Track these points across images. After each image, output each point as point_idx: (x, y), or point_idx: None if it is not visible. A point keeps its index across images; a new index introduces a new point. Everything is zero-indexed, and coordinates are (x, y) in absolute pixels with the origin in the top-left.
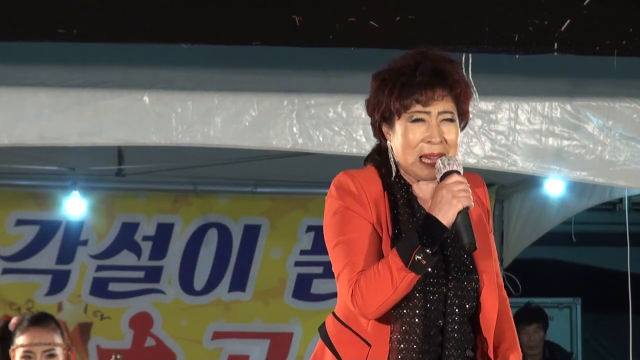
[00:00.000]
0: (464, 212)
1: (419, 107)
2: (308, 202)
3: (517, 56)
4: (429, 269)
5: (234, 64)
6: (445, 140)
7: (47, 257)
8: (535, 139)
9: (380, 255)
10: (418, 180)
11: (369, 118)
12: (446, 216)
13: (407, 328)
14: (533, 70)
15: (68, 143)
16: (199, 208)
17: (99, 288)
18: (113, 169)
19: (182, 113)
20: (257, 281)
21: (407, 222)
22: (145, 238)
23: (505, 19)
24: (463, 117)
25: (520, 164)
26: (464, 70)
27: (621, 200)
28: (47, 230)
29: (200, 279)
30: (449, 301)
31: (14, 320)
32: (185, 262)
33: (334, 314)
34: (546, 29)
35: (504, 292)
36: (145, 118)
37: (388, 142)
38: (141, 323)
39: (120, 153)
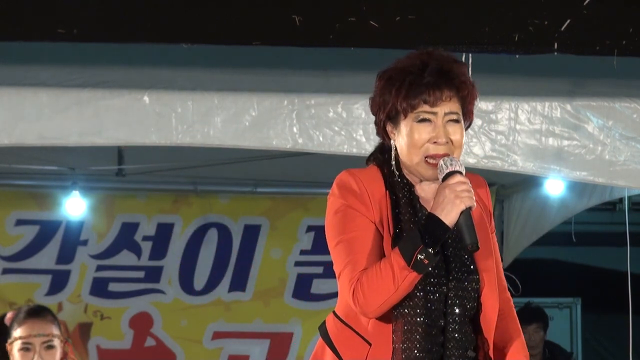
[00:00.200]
0: (467, 213)
1: (426, 108)
2: (308, 202)
3: (517, 56)
4: (430, 269)
5: (234, 64)
6: (451, 141)
7: (47, 257)
8: (535, 139)
9: (382, 255)
10: (421, 180)
11: (371, 117)
12: (449, 216)
13: (409, 327)
14: (533, 70)
15: (68, 143)
16: (199, 208)
17: (99, 288)
18: (113, 169)
19: (182, 113)
20: (257, 281)
21: (408, 221)
22: (145, 238)
23: (505, 19)
24: (467, 117)
25: (520, 164)
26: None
27: (621, 200)
28: (47, 230)
29: (200, 279)
30: (449, 301)
31: (9, 315)
32: (185, 262)
33: (334, 312)
34: (546, 29)
35: (508, 294)
36: (145, 118)
37: (392, 141)
38: (141, 323)
39: (120, 153)
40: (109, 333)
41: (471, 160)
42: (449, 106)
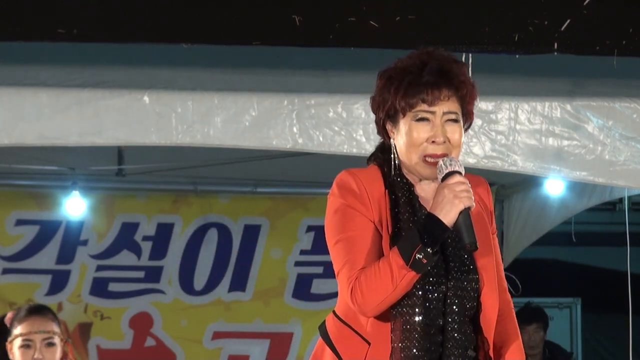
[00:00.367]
0: (466, 212)
1: (424, 107)
2: (308, 202)
3: (517, 56)
4: (429, 268)
5: (234, 64)
6: (449, 141)
7: (47, 257)
8: (535, 139)
9: (381, 254)
10: (420, 180)
11: (371, 118)
12: (448, 216)
13: (408, 326)
14: (533, 70)
15: (68, 143)
16: (199, 208)
17: (99, 288)
18: (113, 169)
19: (182, 113)
20: (257, 281)
21: (407, 221)
22: (145, 238)
23: (505, 19)
24: (467, 117)
25: (520, 164)
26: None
27: (621, 200)
28: (47, 230)
29: (200, 279)
30: (448, 300)
31: (9, 315)
32: (185, 262)
33: (334, 312)
34: (546, 29)
35: (508, 295)
36: (145, 118)
37: (392, 140)
38: (141, 323)
39: (120, 153)
40: (109, 333)
41: (471, 160)
42: (447, 105)
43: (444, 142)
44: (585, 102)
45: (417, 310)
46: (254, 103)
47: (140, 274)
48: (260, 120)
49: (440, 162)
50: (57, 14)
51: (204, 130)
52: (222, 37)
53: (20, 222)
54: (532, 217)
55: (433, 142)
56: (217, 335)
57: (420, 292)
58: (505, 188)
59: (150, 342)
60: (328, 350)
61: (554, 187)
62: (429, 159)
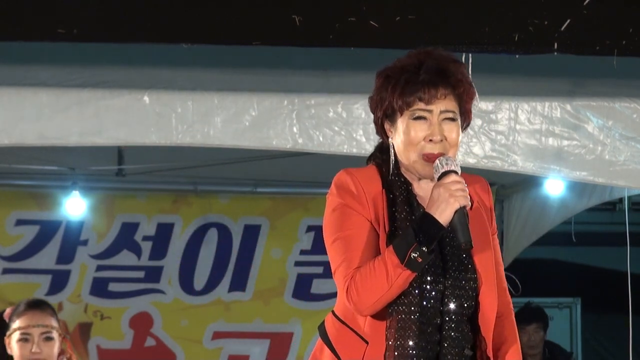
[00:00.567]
0: (461, 211)
1: (421, 105)
2: (308, 202)
3: (517, 56)
4: (426, 267)
5: (234, 64)
6: (446, 139)
7: (47, 257)
8: (535, 139)
9: (378, 253)
10: (419, 179)
11: (371, 117)
12: (443, 215)
13: (403, 325)
14: (533, 70)
15: (68, 143)
16: (199, 208)
17: (99, 288)
18: (113, 169)
19: (182, 113)
20: (257, 281)
21: (404, 220)
22: (145, 238)
23: (505, 19)
24: (465, 117)
25: (520, 164)
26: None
27: (621, 200)
28: (47, 230)
29: (200, 279)
30: (446, 299)
31: (7, 311)
32: (185, 262)
33: (333, 312)
34: (546, 29)
35: (509, 297)
36: (145, 118)
37: (390, 139)
38: (141, 323)
39: (120, 153)
40: (109, 333)
41: (471, 160)
42: (444, 104)
43: (441, 140)
44: (585, 102)
45: (413, 308)
46: (254, 103)
47: (140, 274)
48: (260, 120)
49: (437, 161)
50: (57, 14)
51: (204, 130)
52: (222, 37)
53: (20, 222)
54: (532, 217)
55: (430, 140)
56: (217, 335)
57: (417, 291)
58: (505, 188)
59: (150, 342)
60: (327, 350)
61: (554, 187)
62: (427, 158)
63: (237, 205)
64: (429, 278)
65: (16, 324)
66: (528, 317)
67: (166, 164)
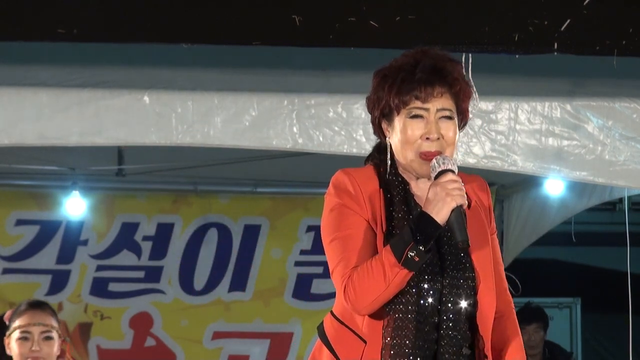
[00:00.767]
0: (458, 210)
1: (418, 104)
2: (308, 202)
3: (517, 56)
4: (423, 266)
5: (234, 64)
6: (443, 137)
7: (47, 257)
8: (535, 139)
9: (375, 252)
10: (417, 178)
11: (369, 116)
12: (440, 214)
13: (400, 324)
14: (533, 70)
15: (68, 143)
16: (199, 208)
17: (99, 288)
18: (113, 169)
19: (182, 113)
20: (257, 281)
21: (402, 219)
22: (145, 238)
23: (505, 19)
24: (462, 116)
25: (520, 164)
26: (465, 70)
27: (621, 200)
28: (47, 230)
29: (200, 279)
30: (443, 298)
31: (8, 313)
32: (185, 262)
33: (331, 312)
34: (546, 29)
35: (509, 296)
36: (145, 118)
37: (387, 138)
38: (141, 323)
39: (120, 153)
40: (109, 333)
41: (471, 160)
42: (441, 102)
43: (438, 138)
44: (585, 102)
45: (410, 307)
46: (254, 103)
47: (140, 274)
48: (260, 120)
49: (434, 160)
50: (57, 14)
51: (204, 130)
52: (222, 37)
53: (20, 222)
54: (532, 217)
55: (427, 138)
56: (217, 335)
57: (414, 290)
58: (505, 188)
59: (150, 342)
60: (326, 350)
61: (554, 187)
62: (424, 156)
63: (237, 205)
64: (426, 277)
65: (16, 322)
66: (528, 317)
67: (166, 164)
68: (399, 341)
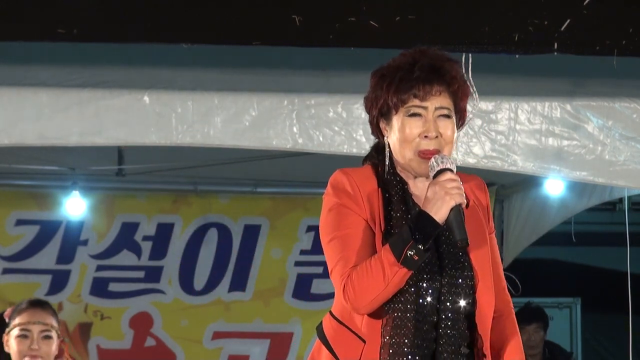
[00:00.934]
0: (457, 209)
1: (416, 102)
2: (308, 202)
3: (517, 56)
4: (422, 265)
5: (234, 64)
6: (441, 136)
7: (47, 257)
8: (535, 139)
9: (374, 252)
10: (415, 178)
11: (368, 116)
12: (439, 213)
13: (399, 322)
14: (533, 70)
15: (68, 143)
16: (199, 208)
17: (99, 288)
18: (113, 169)
19: (182, 113)
20: (257, 281)
21: (400, 218)
22: (145, 238)
23: (505, 19)
24: (461, 115)
25: (520, 164)
26: (465, 70)
27: (621, 200)
28: (47, 230)
29: (200, 279)
30: (442, 297)
31: (8, 310)
32: (185, 262)
33: (330, 312)
34: (546, 29)
35: (508, 295)
36: (145, 118)
37: (385, 138)
38: (141, 323)
39: (120, 153)
40: (109, 333)
41: (471, 160)
42: (439, 101)
43: (436, 137)
44: (585, 102)
45: (409, 306)
46: (254, 103)
47: (140, 274)
48: (260, 120)
49: (432, 159)
50: (57, 14)
51: (204, 130)
52: (222, 37)
53: (20, 222)
54: (532, 217)
55: (425, 137)
56: (217, 335)
57: (413, 289)
58: (505, 188)
59: (150, 342)
60: (325, 350)
61: (554, 187)
62: (423, 155)
63: (237, 205)
64: (425, 276)
65: (16, 320)
66: (528, 317)
67: (166, 164)
68: (397, 340)
